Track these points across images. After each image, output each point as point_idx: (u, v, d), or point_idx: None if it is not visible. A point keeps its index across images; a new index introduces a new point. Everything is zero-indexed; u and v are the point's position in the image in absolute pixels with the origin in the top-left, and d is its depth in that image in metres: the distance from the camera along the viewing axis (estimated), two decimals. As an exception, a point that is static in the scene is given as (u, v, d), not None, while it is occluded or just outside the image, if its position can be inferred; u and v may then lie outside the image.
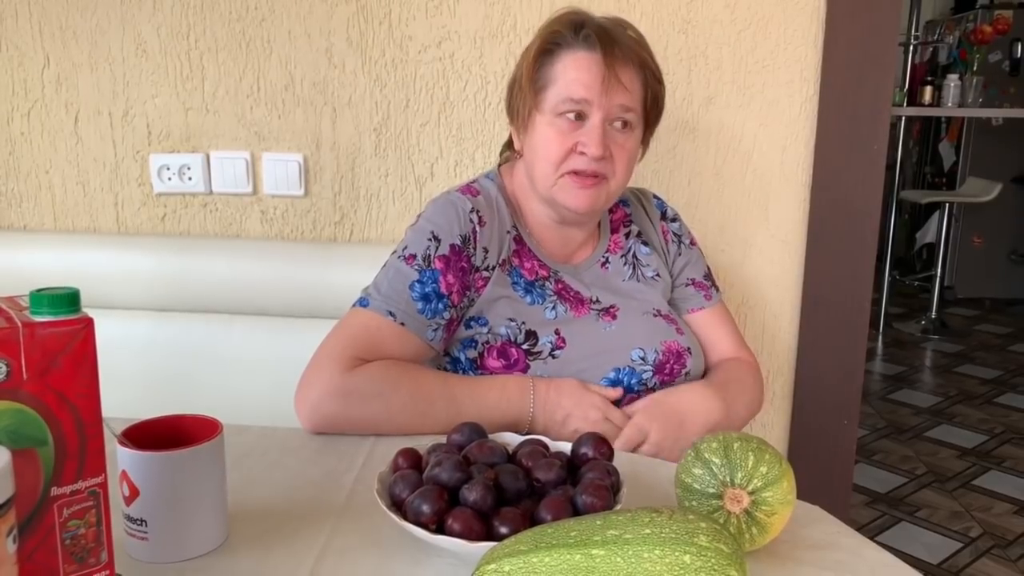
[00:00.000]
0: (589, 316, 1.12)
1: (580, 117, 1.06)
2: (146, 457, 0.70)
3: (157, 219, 1.62)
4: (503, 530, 0.68)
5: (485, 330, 1.08)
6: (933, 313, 4.43)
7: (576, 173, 1.07)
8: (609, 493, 0.72)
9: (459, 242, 1.07)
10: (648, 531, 0.59)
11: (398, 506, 0.73)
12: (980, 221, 4.94)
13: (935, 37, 5.44)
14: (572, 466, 0.79)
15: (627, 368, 1.09)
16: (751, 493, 0.70)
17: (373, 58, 1.53)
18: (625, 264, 1.20)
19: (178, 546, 0.71)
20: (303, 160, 1.58)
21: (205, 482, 0.72)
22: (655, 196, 1.30)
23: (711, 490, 0.71)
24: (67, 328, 0.57)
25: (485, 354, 1.07)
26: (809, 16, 1.48)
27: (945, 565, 2.22)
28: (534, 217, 1.16)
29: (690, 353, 1.14)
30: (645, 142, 1.17)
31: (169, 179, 1.59)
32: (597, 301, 1.14)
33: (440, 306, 1.05)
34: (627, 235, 1.23)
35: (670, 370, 1.11)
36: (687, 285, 1.24)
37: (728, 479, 0.70)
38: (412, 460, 0.78)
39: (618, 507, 0.72)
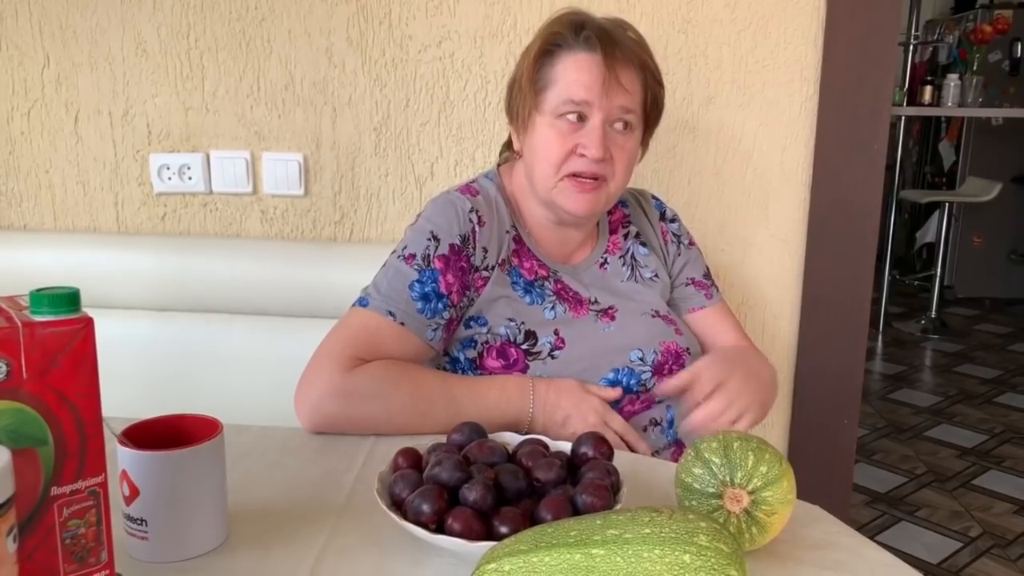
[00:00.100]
0: (588, 317, 1.12)
1: (580, 119, 1.06)
2: (146, 457, 0.70)
3: (157, 219, 1.62)
4: (503, 530, 0.68)
5: (484, 330, 1.08)
6: (933, 313, 4.43)
7: (576, 176, 1.07)
8: (609, 493, 0.72)
9: (458, 242, 1.07)
10: (648, 531, 0.60)
11: (398, 506, 0.73)
12: (980, 221, 4.94)
13: (935, 37, 5.43)
14: (572, 466, 0.79)
15: (626, 369, 1.09)
16: (751, 493, 0.70)
17: (373, 58, 1.53)
18: (623, 265, 1.20)
19: (178, 546, 0.71)
20: (303, 160, 1.58)
21: (205, 482, 0.72)
22: (654, 197, 1.30)
23: (711, 490, 0.71)
24: (67, 328, 0.57)
25: (484, 354, 1.07)
26: (809, 16, 1.48)
27: (945, 565, 2.22)
28: (532, 217, 1.16)
29: (689, 353, 1.14)
30: (644, 143, 1.17)
31: (169, 179, 1.59)
32: (596, 302, 1.14)
33: (440, 306, 1.05)
34: (626, 236, 1.23)
35: (669, 370, 1.11)
36: (687, 285, 1.24)
37: (728, 479, 0.70)
38: (412, 460, 0.78)
39: (618, 507, 0.72)
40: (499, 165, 1.22)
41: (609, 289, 1.17)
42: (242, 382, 1.44)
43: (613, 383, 1.08)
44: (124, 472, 0.70)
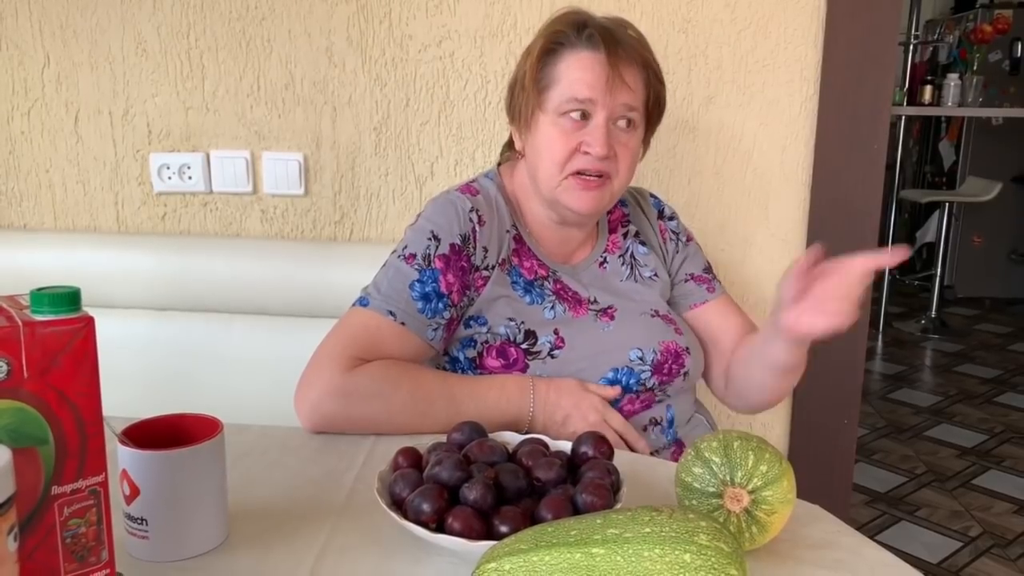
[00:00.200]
0: (587, 316, 1.12)
1: (584, 117, 1.06)
2: (146, 456, 0.70)
3: (157, 218, 1.62)
4: (503, 529, 0.68)
5: (484, 329, 1.08)
6: (933, 312, 4.43)
7: (580, 174, 1.07)
8: (609, 492, 0.72)
9: (459, 241, 1.07)
10: (648, 530, 0.60)
11: (398, 505, 0.73)
12: (980, 220, 4.94)
13: (935, 36, 5.44)
14: (572, 465, 0.79)
15: (625, 368, 1.09)
16: (751, 492, 0.70)
17: (373, 57, 1.53)
18: (623, 264, 1.20)
19: (178, 545, 0.71)
20: (303, 159, 1.58)
21: (205, 481, 0.72)
22: (652, 195, 1.30)
23: (711, 489, 0.71)
24: (67, 327, 0.57)
25: (484, 354, 1.07)
26: (809, 16, 1.48)
27: (945, 564, 2.22)
28: (534, 217, 1.16)
29: (688, 353, 1.14)
30: (646, 142, 1.17)
31: (169, 178, 1.59)
32: (595, 301, 1.14)
33: (440, 305, 1.05)
34: (625, 235, 1.23)
35: (668, 370, 1.11)
36: (686, 281, 1.24)
37: (728, 478, 0.70)
38: (412, 459, 0.78)
39: (618, 506, 0.72)
40: (499, 165, 1.22)
41: (608, 288, 1.17)
42: (242, 382, 1.44)
43: (612, 382, 1.08)
44: (124, 471, 0.70)
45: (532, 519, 0.70)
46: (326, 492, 0.84)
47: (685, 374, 1.13)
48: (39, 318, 0.57)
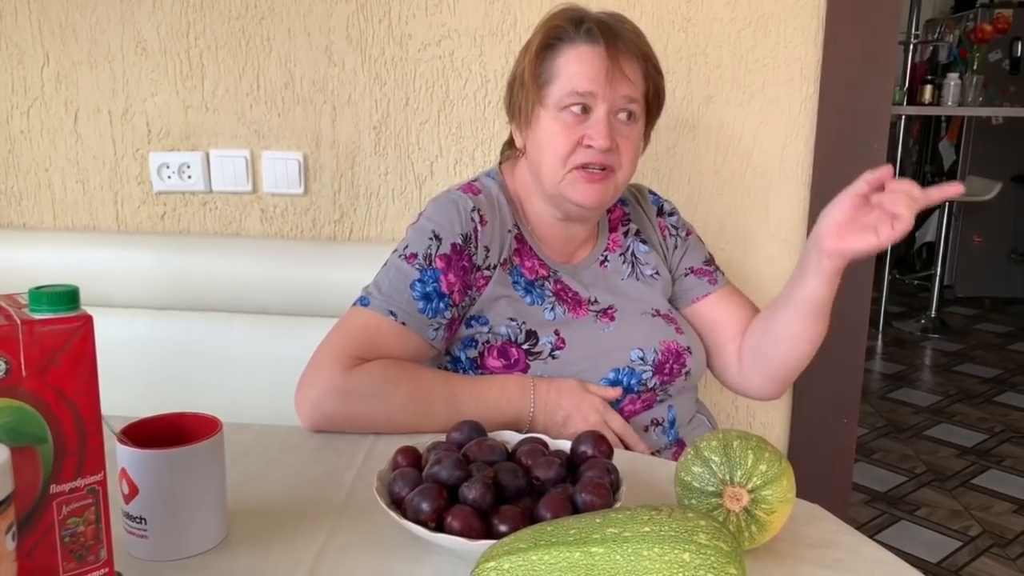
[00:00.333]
0: (587, 317, 1.12)
1: (585, 110, 1.06)
2: (145, 455, 0.70)
3: (157, 217, 1.62)
4: (502, 528, 0.68)
5: (486, 329, 1.08)
6: (933, 312, 4.43)
7: (584, 168, 1.07)
8: (608, 491, 0.72)
9: (460, 241, 1.07)
10: (647, 529, 0.59)
11: (397, 504, 0.73)
12: (980, 220, 4.94)
13: (935, 36, 5.43)
14: (571, 464, 0.79)
15: (626, 368, 1.08)
16: (750, 491, 0.70)
17: (373, 56, 1.53)
18: (624, 263, 1.20)
19: (177, 544, 0.71)
20: (303, 158, 1.58)
21: (204, 480, 0.72)
22: (651, 192, 1.29)
23: (710, 488, 0.71)
24: (66, 326, 0.57)
25: (485, 353, 1.07)
26: (809, 14, 1.48)
27: (944, 564, 2.22)
28: (536, 215, 1.16)
29: (690, 352, 1.14)
30: (646, 135, 1.17)
31: (169, 177, 1.59)
32: (595, 301, 1.14)
33: (441, 305, 1.05)
34: (625, 234, 1.23)
35: (670, 370, 1.11)
36: (686, 275, 1.23)
37: (727, 477, 0.70)
38: (412, 458, 0.78)
39: (617, 505, 0.72)
40: (500, 164, 1.22)
41: (609, 288, 1.16)
42: (242, 381, 1.44)
43: (614, 383, 1.08)
44: (123, 470, 0.70)
45: (531, 518, 0.70)
46: (326, 491, 0.84)
47: (686, 374, 1.13)
48: (38, 317, 0.57)
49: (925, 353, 4.13)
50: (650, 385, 1.10)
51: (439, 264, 1.05)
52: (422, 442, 0.81)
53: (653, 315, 1.15)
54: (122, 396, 0.88)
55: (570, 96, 1.06)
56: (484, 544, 0.65)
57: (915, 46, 4.59)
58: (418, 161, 1.56)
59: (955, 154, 5.04)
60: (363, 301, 1.05)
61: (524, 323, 1.08)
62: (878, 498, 2.59)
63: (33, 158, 1.61)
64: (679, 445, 1.14)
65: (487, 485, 0.71)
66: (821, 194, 1.52)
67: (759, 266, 1.56)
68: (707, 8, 1.48)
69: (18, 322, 0.56)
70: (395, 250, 1.10)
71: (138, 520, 0.70)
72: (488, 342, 1.07)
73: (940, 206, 4.45)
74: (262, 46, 1.54)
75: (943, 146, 5.19)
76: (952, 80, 4.50)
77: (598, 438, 0.81)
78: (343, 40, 1.53)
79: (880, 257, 3.34)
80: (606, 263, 1.19)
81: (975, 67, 4.90)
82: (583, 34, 1.06)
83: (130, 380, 1.34)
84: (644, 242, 1.23)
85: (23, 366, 0.56)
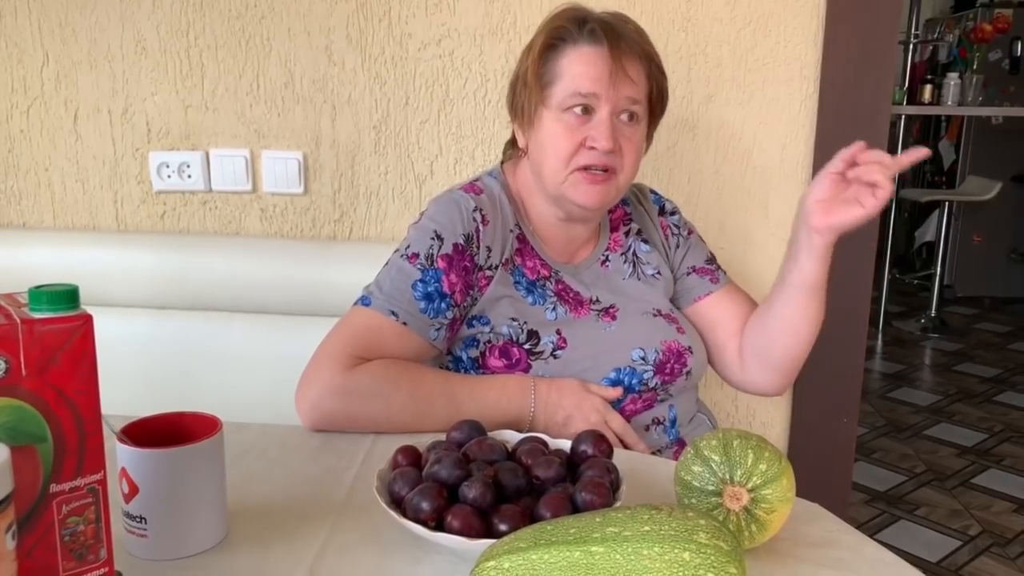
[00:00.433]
0: (589, 317, 1.12)
1: (587, 111, 1.06)
2: (145, 454, 0.70)
3: (156, 217, 1.62)
4: (502, 527, 0.68)
5: (487, 329, 1.07)
6: (933, 311, 4.43)
7: (586, 169, 1.07)
8: (608, 490, 0.72)
9: (462, 241, 1.07)
10: (647, 528, 0.59)
11: (397, 503, 0.73)
12: (980, 220, 4.94)
13: (935, 35, 5.43)
14: (571, 463, 0.79)
15: (628, 368, 1.08)
16: (750, 490, 0.70)
17: (373, 55, 1.53)
18: (625, 262, 1.20)
19: (177, 543, 0.71)
20: (303, 158, 1.58)
21: (204, 479, 0.72)
22: (652, 191, 1.29)
23: (710, 487, 0.71)
24: (66, 325, 0.57)
25: (487, 353, 1.07)
26: (809, 14, 1.48)
27: (944, 563, 2.22)
28: (538, 215, 1.15)
29: (691, 352, 1.14)
30: (649, 136, 1.17)
31: (168, 177, 1.59)
32: (597, 301, 1.14)
33: (443, 306, 1.05)
34: (627, 233, 1.22)
35: (671, 369, 1.11)
36: (688, 274, 1.23)
37: (727, 476, 0.70)
38: (412, 457, 0.78)
39: (617, 504, 0.72)
40: (503, 163, 1.22)
41: (611, 287, 1.16)
42: (242, 380, 1.44)
43: (615, 382, 1.08)
44: (123, 469, 0.70)
45: (531, 517, 0.70)
46: (325, 490, 0.84)
47: (687, 373, 1.13)
48: (37, 316, 0.57)
49: (925, 352, 4.13)
50: (651, 385, 1.10)
51: (441, 264, 1.05)
52: (422, 441, 0.81)
53: (654, 315, 1.15)
54: (122, 395, 0.88)
55: (573, 97, 1.06)
56: (484, 543, 0.65)
57: (915, 46, 4.59)
58: (418, 160, 1.56)
59: (955, 154, 5.04)
60: (364, 301, 1.05)
61: (526, 323, 1.08)
62: (878, 497, 2.59)
63: (33, 158, 1.61)
64: (680, 444, 1.14)
65: (487, 484, 0.71)
66: (821, 193, 1.52)
67: (759, 265, 1.56)
68: (707, 8, 1.48)
69: (18, 321, 0.56)
70: (397, 250, 1.10)
71: (138, 519, 0.70)
72: (490, 342, 1.07)
73: (940, 206, 4.46)
74: (262, 45, 1.54)
75: (943, 146, 5.19)
76: (952, 80, 4.50)
77: (598, 437, 0.81)
78: (343, 39, 1.53)
79: (880, 256, 3.34)
80: (607, 263, 1.19)
81: (975, 67, 4.90)
82: (586, 35, 1.06)
83: (130, 379, 1.34)
84: (646, 242, 1.23)
85: (23, 365, 0.56)
